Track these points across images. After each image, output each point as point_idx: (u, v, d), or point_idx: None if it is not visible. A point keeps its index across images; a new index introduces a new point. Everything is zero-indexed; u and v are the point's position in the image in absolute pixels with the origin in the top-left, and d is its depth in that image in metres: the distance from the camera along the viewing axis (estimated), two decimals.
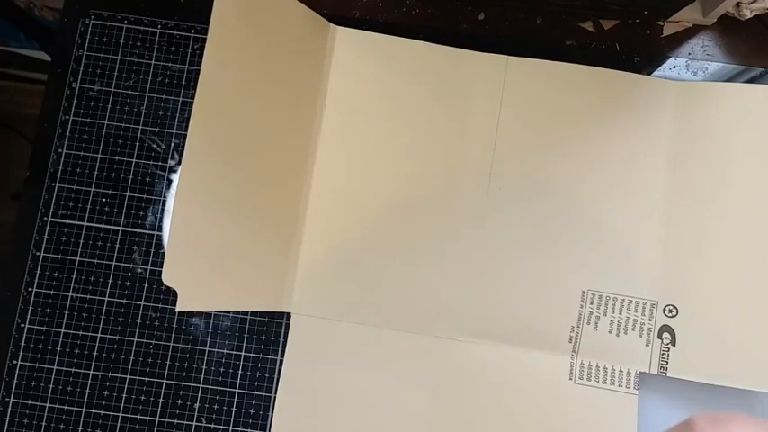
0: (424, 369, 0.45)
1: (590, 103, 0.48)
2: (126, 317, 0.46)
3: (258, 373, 0.45)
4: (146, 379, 0.45)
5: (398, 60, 0.48)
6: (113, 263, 0.47)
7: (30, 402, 0.45)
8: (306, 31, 0.47)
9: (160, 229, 0.47)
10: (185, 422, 0.45)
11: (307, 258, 0.46)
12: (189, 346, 0.46)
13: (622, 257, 0.46)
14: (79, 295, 0.46)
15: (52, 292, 0.46)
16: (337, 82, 0.48)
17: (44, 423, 0.45)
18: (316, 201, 0.47)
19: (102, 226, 0.47)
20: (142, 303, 0.46)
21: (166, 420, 0.45)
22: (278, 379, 0.45)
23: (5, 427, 0.45)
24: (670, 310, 0.45)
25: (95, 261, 0.47)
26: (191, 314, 0.46)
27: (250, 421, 0.45)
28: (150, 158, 0.48)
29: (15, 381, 0.45)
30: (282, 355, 0.45)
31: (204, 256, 0.40)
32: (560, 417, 0.44)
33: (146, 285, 0.46)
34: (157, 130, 0.48)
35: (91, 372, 0.46)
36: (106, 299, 0.46)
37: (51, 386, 0.45)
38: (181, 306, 0.37)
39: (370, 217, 0.47)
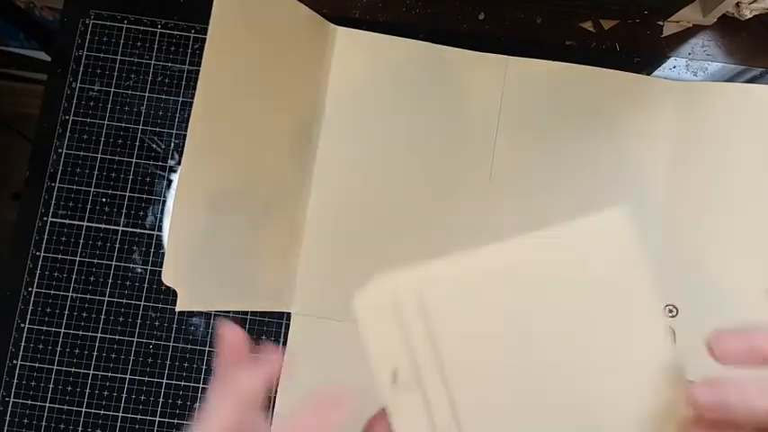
0: None
1: (590, 104, 0.48)
2: (126, 317, 0.46)
3: None
4: (146, 379, 0.45)
5: (398, 60, 0.48)
6: (113, 263, 0.47)
7: (30, 402, 0.45)
8: (306, 31, 0.46)
9: (160, 229, 0.47)
10: (185, 422, 0.45)
11: (307, 258, 0.46)
12: (189, 346, 0.46)
13: None
14: (79, 295, 0.46)
15: (52, 292, 0.46)
16: (337, 81, 0.48)
17: (44, 423, 0.45)
18: (315, 200, 0.47)
19: (102, 226, 0.47)
20: (142, 303, 0.46)
21: (166, 420, 0.45)
22: (278, 379, 0.45)
23: (5, 427, 0.45)
24: (670, 310, 0.45)
25: (95, 261, 0.47)
26: (191, 314, 0.46)
27: None
28: (150, 158, 0.48)
29: (15, 381, 0.45)
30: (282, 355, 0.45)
31: (204, 256, 0.39)
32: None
33: (146, 285, 0.46)
34: (157, 129, 0.48)
35: (91, 372, 0.45)
36: (106, 299, 0.46)
37: (51, 386, 0.45)
38: (181, 306, 0.37)
39: (370, 217, 0.47)
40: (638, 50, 0.49)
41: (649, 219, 0.46)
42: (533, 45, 0.49)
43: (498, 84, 0.48)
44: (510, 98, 0.48)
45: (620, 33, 0.50)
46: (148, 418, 0.45)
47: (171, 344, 0.46)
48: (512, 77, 0.48)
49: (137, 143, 0.48)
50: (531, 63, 0.48)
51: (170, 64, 0.49)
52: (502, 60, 0.48)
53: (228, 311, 0.46)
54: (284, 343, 0.46)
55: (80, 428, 0.45)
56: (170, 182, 0.48)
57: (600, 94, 0.48)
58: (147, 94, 0.48)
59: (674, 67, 0.49)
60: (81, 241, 0.47)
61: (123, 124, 0.48)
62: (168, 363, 0.46)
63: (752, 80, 0.49)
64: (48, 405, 0.45)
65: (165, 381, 0.45)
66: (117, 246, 0.47)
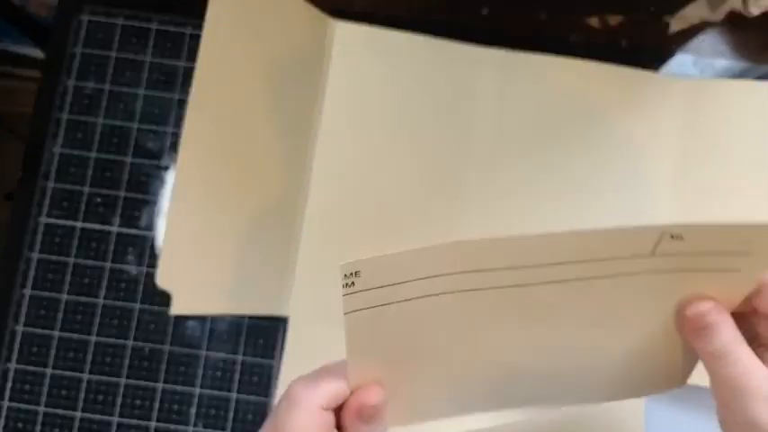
0: None
1: (594, 101, 0.47)
2: (120, 319, 0.45)
3: (255, 378, 0.45)
4: (141, 383, 0.45)
5: (399, 55, 0.48)
6: (108, 264, 0.46)
7: (24, 406, 0.44)
8: (305, 25, 0.46)
9: (155, 229, 0.47)
10: (181, 427, 0.44)
11: (305, 261, 0.46)
12: (185, 350, 0.45)
13: None
14: (73, 297, 0.46)
15: (45, 294, 0.46)
16: (337, 77, 0.47)
17: (38, 428, 0.44)
18: (314, 201, 0.46)
19: (97, 226, 0.46)
20: (137, 306, 0.45)
21: (162, 425, 0.44)
22: (276, 384, 0.44)
23: None
24: None
25: (89, 262, 0.46)
26: (186, 317, 0.45)
27: (248, 427, 0.44)
28: (145, 157, 0.47)
29: (9, 384, 0.45)
30: (280, 360, 0.45)
31: (199, 259, 0.39)
32: (566, 415, 0.43)
33: (141, 287, 0.46)
34: (153, 128, 0.47)
35: (86, 375, 0.45)
36: (100, 301, 0.46)
37: (45, 390, 0.45)
38: (175, 310, 0.36)
39: (370, 218, 0.46)
40: (644, 47, 0.49)
41: (656, 216, 0.45)
42: (537, 40, 0.48)
43: (501, 79, 0.47)
44: (513, 94, 0.47)
45: (625, 29, 0.49)
46: (144, 422, 0.44)
47: (167, 347, 0.45)
48: (515, 73, 0.47)
49: (132, 142, 0.47)
50: (534, 58, 0.47)
51: (166, 61, 0.48)
52: (505, 56, 0.47)
53: (224, 315, 0.45)
54: (282, 347, 0.45)
55: None
56: (165, 181, 0.47)
57: (605, 90, 0.47)
58: (142, 92, 0.48)
59: (681, 64, 0.49)
60: (75, 242, 0.46)
61: (118, 122, 0.48)
62: (164, 367, 0.45)
63: (760, 77, 0.48)
64: (42, 409, 0.44)
65: (161, 385, 0.45)
66: (111, 247, 0.46)
